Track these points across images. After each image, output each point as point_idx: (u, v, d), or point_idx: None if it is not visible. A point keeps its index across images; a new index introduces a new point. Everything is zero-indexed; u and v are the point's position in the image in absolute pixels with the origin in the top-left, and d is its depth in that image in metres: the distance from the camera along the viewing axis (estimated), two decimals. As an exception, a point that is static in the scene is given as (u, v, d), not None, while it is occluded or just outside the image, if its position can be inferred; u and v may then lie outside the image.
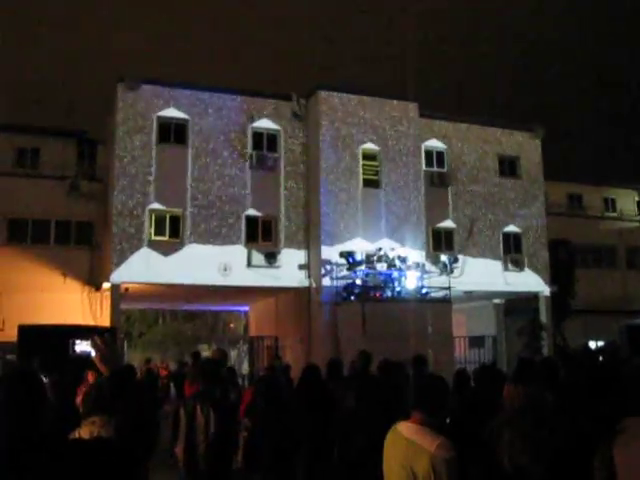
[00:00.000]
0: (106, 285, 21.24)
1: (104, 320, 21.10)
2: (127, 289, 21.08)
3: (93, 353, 3.58)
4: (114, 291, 20.58)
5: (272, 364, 14.24)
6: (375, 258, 20.75)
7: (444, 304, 20.62)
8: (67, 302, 21.67)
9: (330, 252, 21.56)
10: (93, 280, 22.59)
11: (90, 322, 21.04)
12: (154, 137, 21.62)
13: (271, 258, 21.89)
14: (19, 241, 22.62)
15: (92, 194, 23.15)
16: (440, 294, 21.23)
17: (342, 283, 21.09)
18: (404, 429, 4.16)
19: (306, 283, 22.35)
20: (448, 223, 24.81)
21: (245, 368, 26.17)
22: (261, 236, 22.46)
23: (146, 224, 21.08)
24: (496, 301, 27.60)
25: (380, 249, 21.05)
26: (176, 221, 21.56)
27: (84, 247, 23.15)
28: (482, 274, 24.31)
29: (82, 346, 14.42)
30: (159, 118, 21.79)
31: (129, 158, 21.18)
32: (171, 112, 21.95)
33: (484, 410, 5.22)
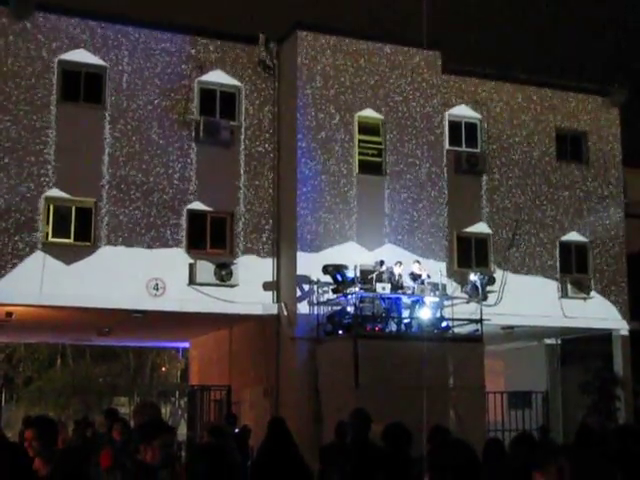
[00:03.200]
0: (-23, 308, 21.05)
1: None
2: (9, 314, 20.93)
3: None
4: (-11, 317, 20.41)
5: (219, 426, 14.03)
6: (374, 275, 20.62)
7: (473, 344, 20.54)
8: None
9: (309, 265, 21.49)
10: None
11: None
12: (55, 91, 21.47)
13: (224, 272, 21.77)
14: None
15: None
16: (468, 329, 21.19)
17: (326, 310, 21.08)
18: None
19: (274, 310, 22.33)
20: (481, 227, 24.86)
21: (182, 433, 25.99)
22: (210, 240, 22.50)
23: (41, 219, 20.91)
24: (549, 341, 27.66)
25: (382, 262, 20.93)
26: (86, 215, 21.46)
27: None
28: (529, 301, 24.25)
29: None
30: (62, 63, 21.67)
31: (15, 121, 20.95)
32: (81, 55, 21.86)
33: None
